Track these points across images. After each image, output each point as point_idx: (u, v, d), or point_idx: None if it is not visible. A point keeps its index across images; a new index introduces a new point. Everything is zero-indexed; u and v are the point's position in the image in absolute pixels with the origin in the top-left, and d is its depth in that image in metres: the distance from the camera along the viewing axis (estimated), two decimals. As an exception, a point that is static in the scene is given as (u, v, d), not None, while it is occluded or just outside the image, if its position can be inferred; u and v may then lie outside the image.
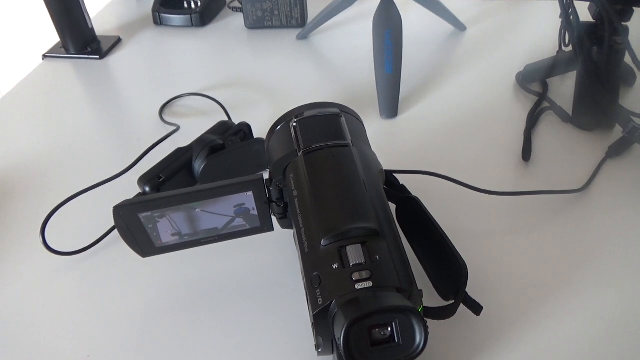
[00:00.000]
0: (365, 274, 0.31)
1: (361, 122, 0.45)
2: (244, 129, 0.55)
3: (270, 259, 0.47)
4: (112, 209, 0.51)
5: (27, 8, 1.07)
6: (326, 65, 0.75)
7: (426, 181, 0.53)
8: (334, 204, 0.35)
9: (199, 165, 0.51)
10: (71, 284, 0.46)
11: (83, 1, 0.77)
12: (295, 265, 0.46)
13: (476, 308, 0.37)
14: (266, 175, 0.55)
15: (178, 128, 0.57)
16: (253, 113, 0.66)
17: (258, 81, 0.72)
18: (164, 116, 0.66)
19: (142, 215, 0.39)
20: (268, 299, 0.44)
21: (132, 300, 0.44)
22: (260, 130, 0.62)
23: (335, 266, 0.32)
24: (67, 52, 0.80)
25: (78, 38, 0.79)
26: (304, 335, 0.41)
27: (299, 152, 0.39)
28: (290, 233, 0.49)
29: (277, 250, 0.48)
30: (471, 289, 0.38)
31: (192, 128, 0.63)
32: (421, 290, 0.33)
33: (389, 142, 0.60)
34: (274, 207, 0.41)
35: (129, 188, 0.54)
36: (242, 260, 0.47)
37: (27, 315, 0.44)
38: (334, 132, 0.40)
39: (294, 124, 0.41)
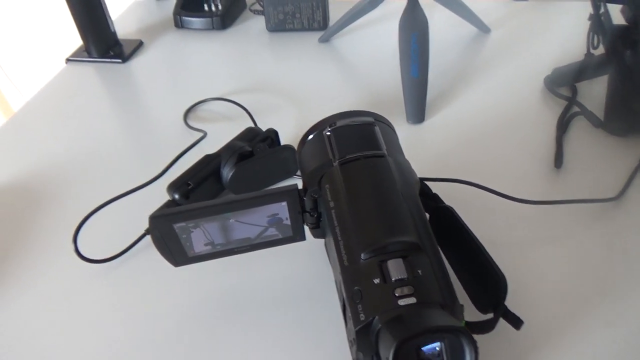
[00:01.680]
0: (407, 290, 0.31)
1: (394, 130, 0.45)
2: (271, 136, 0.55)
3: (301, 268, 0.47)
4: (145, 217, 0.51)
5: (50, 12, 1.08)
6: (349, 69, 0.74)
7: (454, 189, 0.53)
8: (373, 217, 0.34)
9: (227, 172, 0.51)
10: (102, 292, 0.46)
11: (105, 4, 0.77)
12: (326, 274, 0.46)
13: (516, 322, 0.36)
14: (292, 181, 0.55)
15: (205, 134, 0.56)
16: (276, 118, 0.65)
17: (280, 85, 0.72)
18: (188, 121, 0.66)
19: (177, 226, 0.39)
20: (299, 309, 0.44)
21: (162, 309, 0.44)
22: (284, 135, 0.62)
23: (376, 281, 0.31)
24: (90, 55, 0.81)
25: (101, 41, 0.79)
26: (336, 346, 0.40)
27: (335, 162, 0.39)
28: (321, 242, 0.48)
29: (308, 259, 0.47)
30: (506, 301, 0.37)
31: (217, 133, 0.63)
32: (462, 305, 0.33)
33: (416, 148, 0.59)
34: (307, 217, 0.41)
35: (156, 195, 0.54)
36: (274, 269, 0.47)
37: (58, 322, 0.44)
38: (369, 141, 0.39)
39: (328, 134, 0.41)
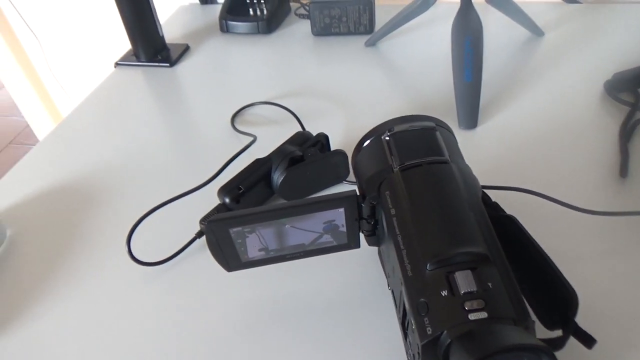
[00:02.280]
0: (477, 304, 0.29)
1: (454, 135, 0.43)
2: (322, 140, 0.54)
3: (353, 275, 0.46)
4: (195, 221, 0.51)
5: (99, 17, 1.11)
6: (397, 73, 0.73)
7: (512, 197, 0.51)
8: (439, 226, 0.33)
9: (278, 177, 0.50)
10: (152, 294, 0.46)
11: (155, 9, 0.78)
12: (379, 283, 0.45)
13: (588, 340, 0.34)
14: (342, 187, 0.54)
15: (255, 139, 0.56)
16: (324, 122, 0.64)
17: (326, 89, 0.71)
18: (235, 125, 0.66)
19: (233, 230, 0.38)
20: (351, 317, 0.42)
21: (213, 313, 0.44)
22: (331, 140, 0.61)
23: (444, 293, 0.30)
24: (138, 59, 0.82)
25: (149, 46, 0.80)
26: (389, 356, 0.39)
27: (395, 168, 0.37)
28: (373, 249, 0.47)
29: (360, 267, 0.46)
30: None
31: (265, 138, 0.63)
32: (534, 321, 0.31)
33: (469, 154, 0.57)
34: (364, 224, 0.40)
35: (204, 199, 0.54)
36: (325, 276, 0.46)
37: (109, 323, 0.44)
38: (431, 147, 0.38)
39: (387, 139, 0.39)
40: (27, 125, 2.13)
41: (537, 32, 0.76)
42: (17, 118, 2.21)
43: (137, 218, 0.51)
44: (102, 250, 0.51)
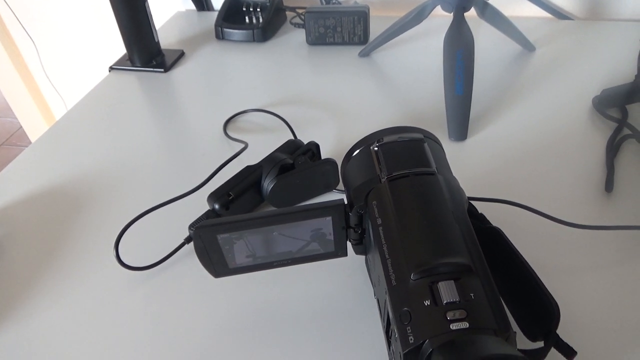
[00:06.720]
0: (459, 314, 0.29)
1: (442, 147, 0.44)
2: (313, 149, 0.54)
3: (340, 284, 0.46)
4: (184, 226, 0.51)
5: (95, 21, 1.11)
6: (389, 84, 0.74)
7: (498, 209, 0.51)
8: (424, 236, 0.33)
9: (268, 184, 0.51)
10: (139, 300, 0.46)
11: (151, 15, 0.79)
12: (365, 291, 0.45)
13: (569, 352, 0.34)
14: (331, 196, 0.54)
15: (246, 146, 0.56)
16: (316, 131, 0.65)
17: (320, 98, 0.71)
18: (227, 131, 0.66)
19: (221, 237, 0.38)
20: (337, 325, 0.43)
21: (199, 320, 0.44)
22: (323, 149, 0.62)
23: (426, 303, 0.30)
24: (133, 64, 0.82)
25: (144, 51, 0.81)
26: (378, 368, 0.39)
27: (383, 178, 0.38)
28: (360, 258, 0.48)
29: (347, 275, 0.46)
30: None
31: (257, 145, 0.63)
32: (515, 332, 0.31)
33: (458, 166, 0.58)
34: (351, 233, 0.40)
35: (194, 204, 0.54)
36: (312, 284, 0.46)
37: (95, 327, 0.44)
38: (419, 158, 0.38)
39: (376, 149, 0.40)
40: (21, 127, 2.12)
41: (528, 47, 0.77)
42: (11, 119, 2.21)
43: (126, 222, 0.51)
44: (90, 254, 0.51)
